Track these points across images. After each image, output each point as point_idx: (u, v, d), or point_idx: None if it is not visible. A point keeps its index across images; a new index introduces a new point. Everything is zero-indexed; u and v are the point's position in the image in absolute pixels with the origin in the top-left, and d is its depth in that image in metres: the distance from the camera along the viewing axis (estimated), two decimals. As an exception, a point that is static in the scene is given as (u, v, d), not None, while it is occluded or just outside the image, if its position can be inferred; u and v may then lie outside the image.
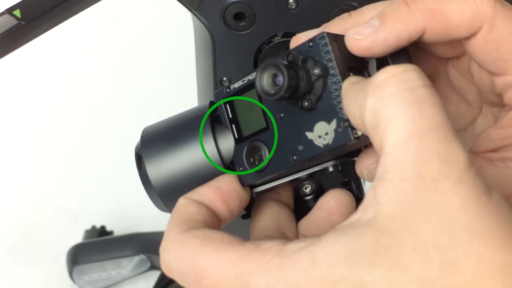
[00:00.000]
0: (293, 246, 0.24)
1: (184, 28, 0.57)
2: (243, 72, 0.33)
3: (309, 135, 0.30)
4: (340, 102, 0.29)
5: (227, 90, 0.33)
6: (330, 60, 0.29)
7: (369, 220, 0.23)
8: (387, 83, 0.24)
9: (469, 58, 0.33)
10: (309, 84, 0.29)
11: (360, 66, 0.31)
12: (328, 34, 0.29)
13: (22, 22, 0.37)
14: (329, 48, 0.29)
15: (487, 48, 0.30)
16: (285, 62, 0.29)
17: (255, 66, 0.43)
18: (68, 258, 0.77)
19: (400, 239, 0.22)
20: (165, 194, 0.34)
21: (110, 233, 0.84)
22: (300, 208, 0.37)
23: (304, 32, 0.33)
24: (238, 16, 0.41)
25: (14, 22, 0.37)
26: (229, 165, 0.33)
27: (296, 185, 0.37)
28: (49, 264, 0.82)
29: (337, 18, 0.33)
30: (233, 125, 0.33)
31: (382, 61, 0.32)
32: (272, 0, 0.40)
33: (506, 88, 0.31)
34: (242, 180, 0.33)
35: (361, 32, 0.29)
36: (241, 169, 0.33)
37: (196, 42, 0.49)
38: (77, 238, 0.83)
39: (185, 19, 0.48)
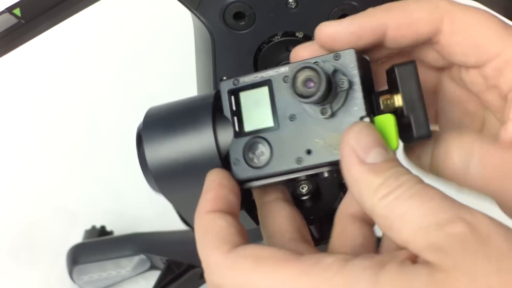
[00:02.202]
0: (357, 263, 0.25)
1: (184, 28, 0.57)
2: (243, 72, 0.33)
3: (320, 142, 0.31)
4: (357, 116, 0.30)
5: (235, 82, 0.33)
6: (355, 75, 0.30)
7: (424, 260, 0.25)
8: (391, 193, 0.27)
9: (459, 67, 0.33)
10: (335, 95, 0.30)
11: (370, 89, 0.32)
12: (356, 50, 0.30)
13: (22, 21, 0.37)
14: (356, 64, 0.30)
15: (458, 38, 0.31)
16: (317, 67, 0.29)
17: (255, 66, 0.43)
18: (68, 258, 0.77)
19: (454, 276, 0.24)
20: (159, 177, 0.34)
21: (110, 233, 0.84)
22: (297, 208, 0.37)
23: (304, 44, 0.33)
24: (238, 16, 0.41)
25: (14, 21, 0.37)
26: (226, 156, 0.33)
27: (293, 185, 0.37)
28: (49, 264, 0.82)
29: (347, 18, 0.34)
30: (235, 118, 0.33)
31: (392, 82, 0.32)
32: (272, -1, 0.41)
33: (497, 76, 0.31)
34: (236, 174, 0.33)
35: (331, 22, 0.32)
36: (236, 162, 0.33)
37: (196, 41, 0.49)
38: (77, 238, 0.83)
39: (185, 18, 0.48)
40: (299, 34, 0.42)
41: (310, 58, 0.31)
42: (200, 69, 0.49)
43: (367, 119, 0.30)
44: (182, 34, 0.64)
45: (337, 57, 0.30)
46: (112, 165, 0.93)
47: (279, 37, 0.42)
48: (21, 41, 0.38)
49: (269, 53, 0.43)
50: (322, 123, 0.30)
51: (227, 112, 0.33)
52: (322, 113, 0.30)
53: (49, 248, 0.84)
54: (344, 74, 0.30)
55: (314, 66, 0.29)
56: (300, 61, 0.31)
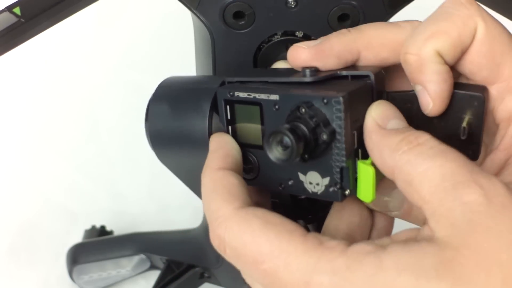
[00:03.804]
0: (359, 248, 0.25)
1: (184, 27, 0.58)
2: (243, 71, 0.33)
3: (301, 176, 0.31)
4: (338, 166, 0.30)
5: (231, 93, 0.33)
6: (340, 126, 0.29)
7: (429, 238, 0.25)
8: (413, 149, 0.27)
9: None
10: (316, 146, 0.30)
11: (362, 117, 0.31)
12: (345, 99, 0.29)
13: (22, 20, 0.37)
14: (342, 115, 0.29)
15: (483, 49, 0.31)
16: (290, 135, 0.28)
17: (255, 65, 0.43)
18: (68, 258, 0.77)
19: (463, 254, 0.23)
20: (156, 144, 0.37)
21: (110, 233, 0.84)
22: (295, 207, 0.37)
23: (304, 42, 0.34)
24: (238, 15, 0.41)
25: (14, 19, 0.37)
26: None
27: None
28: (49, 264, 0.82)
29: (336, 32, 0.34)
30: (229, 127, 0.33)
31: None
32: (272, -1, 0.41)
33: (499, 99, 0.31)
34: None
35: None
36: None
37: (195, 40, 0.49)
38: (77, 238, 0.83)
39: (185, 18, 0.48)
40: (299, 34, 0.42)
41: (299, 94, 0.30)
42: (200, 68, 0.49)
43: (346, 169, 0.30)
44: (182, 33, 0.64)
45: (325, 100, 0.29)
46: (112, 165, 0.93)
47: (279, 36, 0.42)
48: (21, 39, 0.38)
49: (269, 53, 0.43)
50: (304, 162, 0.31)
51: (222, 119, 0.33)
52: (303, 159, 0.30)
53: (49, 248, 0.84)
54: (328, 123, 0.29)
55: (287, 133, 0.28)
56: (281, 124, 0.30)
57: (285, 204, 0.39)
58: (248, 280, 0.29)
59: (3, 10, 0.37)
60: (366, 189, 0.29)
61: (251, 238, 0.27)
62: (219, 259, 0.67)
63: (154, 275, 0.75)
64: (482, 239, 0.23)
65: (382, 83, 0.33)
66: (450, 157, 0.26)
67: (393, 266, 0.24)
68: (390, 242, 0.25)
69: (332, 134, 0.29)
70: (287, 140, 0.28)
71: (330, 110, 0.29)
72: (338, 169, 0.30)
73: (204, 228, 0.71)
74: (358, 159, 0.30)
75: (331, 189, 0.30)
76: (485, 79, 0.31)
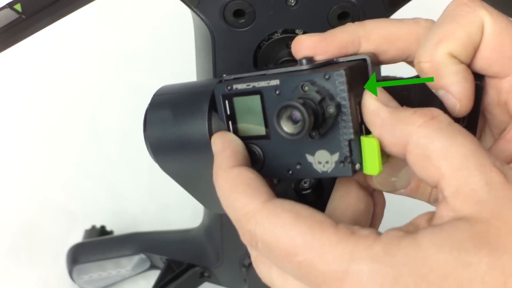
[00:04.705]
0: (392, 234, 0.25)
1: (184, 26, 0.58)
2: (243, 69, 0.33)
3: (309, 157, 0.31)
4: (346, 139, 0.30)
5: (229, 87, 0.33)
6: (344, 98, 0.29)
7: (457, 217, 0.25)
8: (430, 123, 0.27)
9: None
10: (323, 120, 0.30)
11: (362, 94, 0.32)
12: (346, 72, 0.29)
13: (23, 16, 0.37)
14: (345, 87, 0.29)
15: (492, 43, 0.31)
16: (301, 107, 0.28)
17: (255, 63, 0.43)
18: (68, 257, 0.77)
19: (494, 225, 0.24)
20: (157, 153, 0.36)
21: (110, 232, 0.84)
22: (300, 202, 0.36)
23: (308, 34, 0.34)
24: (238, 13, 0.41)
25: (15, 16, 0.37)
26: None
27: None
28: (49, 264, 0.82)
29: (345, 25, 0.34)
30: (230, 122, 0.33)
31: None
32: (272, -3, 0.41)
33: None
34: None
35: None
36: None
37: (196, 39, 0.49)
38: (77, 238, 0.83)
39: (185, 16, 0.48)
40: (299, 32, 0.42)
41: (300, 75, 0.30)
42: (200, 67, 0.49)
43: (354, 142, 0.30)
44: (182, 31, 0.65)
45: (327, 76, 0.30)
46: (112, 164, 0.93)
47: (279, 34, 0.42)
48: (22, 36, 0.38)
49: (269, 50, 0.43)
50: (311, 140, 0.31)
51: (221, 115, 0.33)
52: (311, 136, 0.30)
53: (49, 248, 0.84)
54: (333, 97, 0.29)
55: (298, 105, 0.28)
56: (286, 100, 0.30)
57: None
58: (273, 273, 0.29)
59: (4, 7, 0.38)
60: (372, 162, 0.29)
61: (283, 231, 0.26)
62: (219, 259, 0.67)
63: (154, 275, 0.75)
64: (510, 210, 0.25)
65: (378, 68, 0.33)
66: (469, 139, 0.26)
67: (431, 244, 0.24)
68: (415, 228, 0.26)
69: (338, 107, 0.29)
70: (297, 114, 0.29)
71: (333, 85, 0.29)
72: (346, 143, 0.30)
73: (204, 228, 0.71)
74: (362, 134, 0.30)
75: (341, 165, 0.30)
76: (497, 74, 0.31)
